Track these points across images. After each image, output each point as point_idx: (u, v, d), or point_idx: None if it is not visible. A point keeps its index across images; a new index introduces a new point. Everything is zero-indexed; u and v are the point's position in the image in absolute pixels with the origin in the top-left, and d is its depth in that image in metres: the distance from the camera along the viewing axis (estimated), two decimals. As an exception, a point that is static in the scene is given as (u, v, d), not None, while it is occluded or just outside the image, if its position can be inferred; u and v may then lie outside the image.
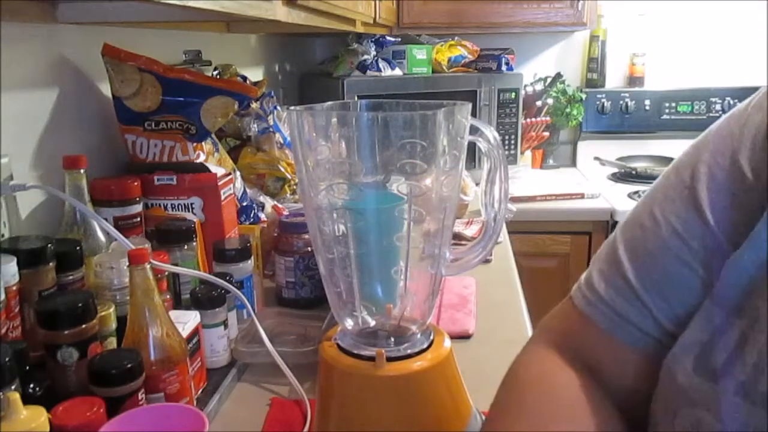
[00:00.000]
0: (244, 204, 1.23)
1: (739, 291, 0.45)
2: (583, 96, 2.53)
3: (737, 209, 0.48)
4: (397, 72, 2.07)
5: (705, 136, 0.53)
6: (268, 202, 1.34)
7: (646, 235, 0.53)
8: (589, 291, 0.56)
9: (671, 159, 0.57)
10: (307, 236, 1.10)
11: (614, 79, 2.65)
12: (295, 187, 1.46)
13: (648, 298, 0.51)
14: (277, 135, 1.45)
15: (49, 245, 0.71)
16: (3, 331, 0.65)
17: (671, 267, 0.50)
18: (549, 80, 2.58)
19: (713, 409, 0.44)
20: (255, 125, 1.44)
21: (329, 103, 0.71)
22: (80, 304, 0.65)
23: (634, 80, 2.61)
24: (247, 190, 1.27)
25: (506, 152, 2.20)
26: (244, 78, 1.52)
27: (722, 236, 0.48)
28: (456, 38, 2.26)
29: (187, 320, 0.80)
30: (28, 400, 0.55)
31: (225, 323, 0.89)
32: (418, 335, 0.66)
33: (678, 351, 0.48)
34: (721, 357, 0.44)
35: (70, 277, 0.76)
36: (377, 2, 1.79)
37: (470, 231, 1.54)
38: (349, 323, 0.67)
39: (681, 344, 0.48)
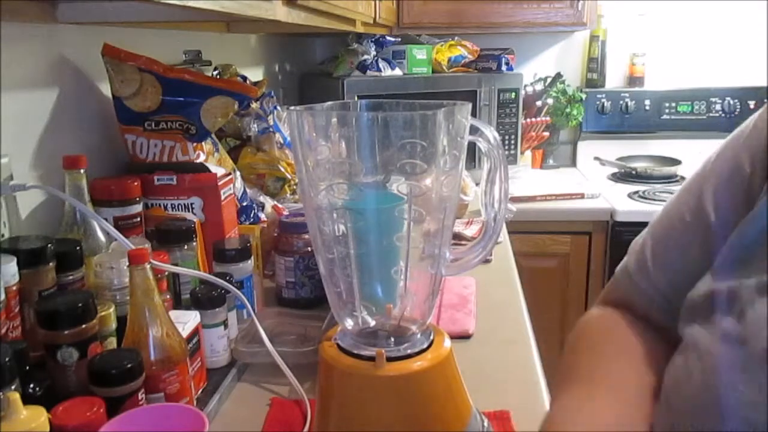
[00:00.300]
0: (244, 204, 1.23)
1: (738, 264, 0.51)
2: (583, 96, 2.53)
3: (741, 198, 0.54)
4: (397, 72, 2.07)
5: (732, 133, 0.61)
6: (268, 202, 1.34)
7: (663, 217, 0.64)
8: (621, 266, 0.69)
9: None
10: (307, 236, 1.10)
11: (614, 79, 2.65)
12: (295, 187, 1.46)
13: (653, 267, 0.62)
14: (277, 135, 1.45)
15: (49, 245, 0.71)
16: (3, 331, 0.65)
17: (674, 238, 0.61)
18: (549, 80, 2.58)
19: (702, 351, 0.50)
20: (255, 125, 1.44)
21: (329, 103, 0.71)
22: (80, 304, 0.65)
23: (634, 80, 2.60)
24: (247, 190, 1.27)
25: (506, 152, 2.20)
26: (244, 78, 1.52)
27: (720, 221, 0.56)
28: (456, 38, 2.26)
29: (187, 320, 0.80)
30: (28, 400, 0.55)
31: (225, 323, 0.89)
32: (418, 335, 0.66)
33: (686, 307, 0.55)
34: (719, 309, 0.51)
35: (70, 277, 0.76)
36: (377, 2, 1.79)
37: (470, 231, 1.54)
38: (349, 323, 0.67)
39: (689, 302, 0.55)
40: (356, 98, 1.91)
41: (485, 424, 0.69)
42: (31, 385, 0.62)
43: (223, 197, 1.04)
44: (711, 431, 0.46)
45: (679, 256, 0.60)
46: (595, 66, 2.60)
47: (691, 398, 0.50)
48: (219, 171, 1.05)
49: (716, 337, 0.49)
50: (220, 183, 1.03)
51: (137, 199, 0.96)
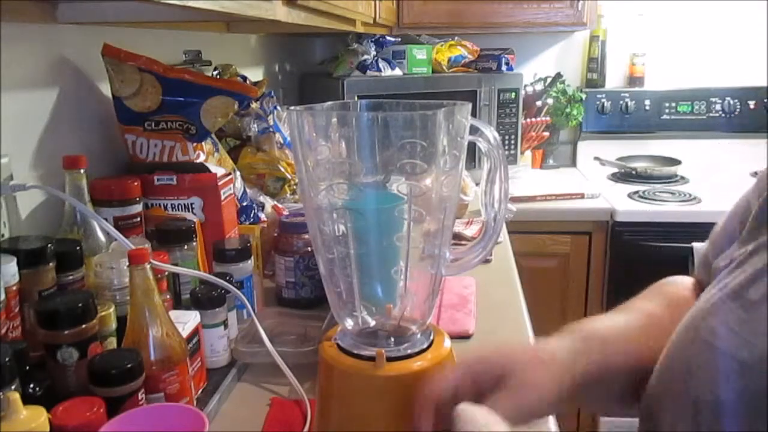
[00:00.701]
0: (244, 204, 1.23)
1: (752, 234, 0.58)
2: (583, 96, 2.53)
3: None
4: (397, 72, 2.07)
5: None
6: (268, 202, 1.34)
7: (724, 217, 0.70)
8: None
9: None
10: (307, 236, 1.10)
11: (614, 79, 2.65)
12: (295, 187, 1.46)
13: (711, 255, 0.68)
14: (277, 135, 1.45)
15: (49, 245, 0.71)
16: (3, 331, 0.65)
17: (729, 232, 0.66)
18: (549, 80, 2.58)
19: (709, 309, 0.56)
20: (255, 125, 1.44)
21: (329, 103, 0.71)
22: (80, 304, 0.65)
23: (634, 80, 2.60)
24: (247, 190, 1.27)
25: (506, 152, 2.20)
26: (244, 78, 1.52)
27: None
28: (456, 38, 2.26)
29: (187, 320, 0.80)
30: (28, 400, 0.55)
31: (225, 323, 0.89)
32: (418, 335, 0.66)
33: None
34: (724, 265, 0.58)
35: (70, 277, 0.76)
36: (377, 2, 1.79)
37: (470, 231, 1.54)
38: (349, 323, 0.67)
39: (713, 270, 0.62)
40: (356, 98, 1.91)
41: (485, 424, 0.69)
42: (31, 385, 0.62)
43: (223, 197, 1.04)
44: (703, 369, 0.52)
45: (722, 237, 0.68)
46: (595, 66, 2.60)
47: (682, 346, 0.55)
48: (219, 171, 1.05)
49: (710, 287, 0.56)
50: (220, 183, 1.03)
51: (137, 199, 0.96)
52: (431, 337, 0.66)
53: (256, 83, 1.51)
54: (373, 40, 2.04)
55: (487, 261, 1.35)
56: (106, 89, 1.05)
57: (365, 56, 2.00)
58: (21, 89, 0.89)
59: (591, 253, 2.09)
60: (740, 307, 0.51)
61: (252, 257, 1.02)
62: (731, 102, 2.49)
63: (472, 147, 0.63)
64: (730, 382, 0.50)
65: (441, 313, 1.09)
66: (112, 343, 0.75)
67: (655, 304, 0.68)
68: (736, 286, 0.53)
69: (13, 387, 0.57)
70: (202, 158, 1.08)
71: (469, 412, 0.52)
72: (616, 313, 0.67)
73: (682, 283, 0.74)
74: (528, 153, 2.53)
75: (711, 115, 2.52)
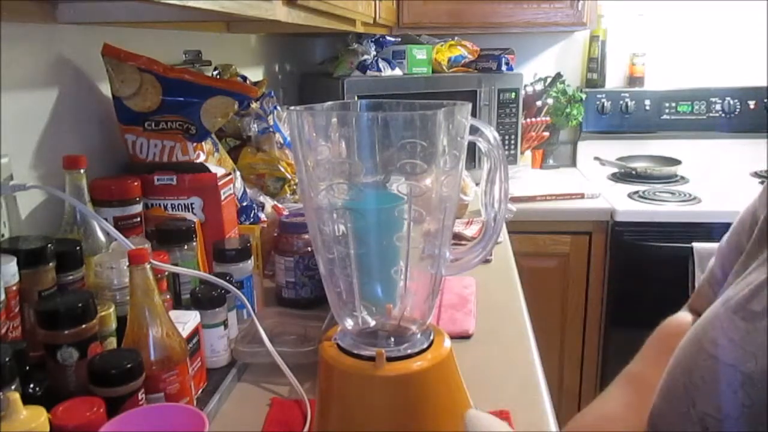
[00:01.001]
0: (244, 204, 1.23)
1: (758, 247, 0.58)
2: (583, 96, 2.53)
3: None
4: (397, 72, 2.07)
5: None
6: (268, 202, 1.34)
7: (729, 233, 0.70)
8: (701, 279, 0.76)
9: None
10: (307, 236, 1.10)
11: (614, 79, 2.65)
12: (295, 187, 1.46)
13: (717, 268, 0.70)
14: (277, 135, 1.45)
15: (49, 245, 0.71)
16: (3, 331, 0.65)
17: (730, 243, 0.68)
18: (549, 80, 2.58)
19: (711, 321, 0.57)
20: (255, 125, 1.44)
21: (329, 103, 0.71)
22: (80, 304, 0.65)
23: (634, 80, 2.60)
24: (247, 190, 1.27)
25: (506, 152, 2.20)
26: (244, 78, 1.52)
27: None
28: (456, 38, 2.26)
29: (187, 320, 0.80)
30: (28, 400, 0.55)
31: (225, 323, 0.89)
32: (418, 335, 0.66)
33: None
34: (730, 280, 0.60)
35: (70, 277, 0.76)
36: (377, 2, 1.79)
37: (470, 231, 1.54)
38: (349, 323, 0.67)
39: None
40: (356, 98, 1.91)
41: (485, 424, 0.69)
42: (31, 385, 0.62)
43: (223, 197, 1.04)
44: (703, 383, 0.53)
45: (728, 252, 0.68)
46: (595, 66, 2.60)
47: (684, 361, 0.56)
48: (219, 171, 1.05)
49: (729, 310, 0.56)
50: (220, 183, 1.03)
51: (137, 199, 0.96)
52: (431, 337, 0.66)
53: (256, 83, 1.52)
54: (373, 40, 2.04)
55: (487, 261, 1.35)
56: (106, 89, 1.05)
57: (365, 56, 2.00)
58: (21, 89, 0.89)
59: (591, 253, 2.09)
60: (742, 319, 0.51)
61: (252, 257, 1.02)
62: (731, 102, 2.49)
63: (472, 147, 0.63)
64: (734, 394, 0.49)
65: (441, 313, 1.09)
66: (112, 343, 0.75)
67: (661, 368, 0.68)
68: (739, 299, 0.53)
69: (13, 387, 0.57)
70: (202, 158, 1.08)
71: (475, 413, 0.54)
72: (625, 396, 0.69)
73: (684, 331, 0.74)
74: (528, 153, 2.53)
75: (711, 115, 2.52)
